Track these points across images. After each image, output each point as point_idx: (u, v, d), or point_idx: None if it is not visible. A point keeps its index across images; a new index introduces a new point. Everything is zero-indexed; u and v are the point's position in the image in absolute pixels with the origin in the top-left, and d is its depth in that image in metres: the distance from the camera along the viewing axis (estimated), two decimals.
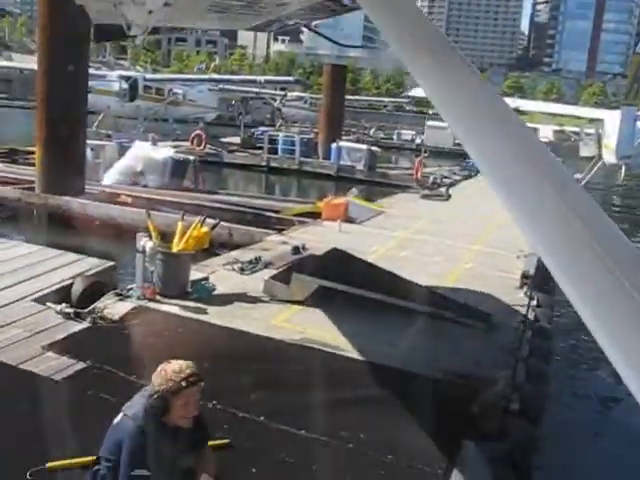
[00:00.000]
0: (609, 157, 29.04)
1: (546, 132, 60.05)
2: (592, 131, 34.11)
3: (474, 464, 5.98)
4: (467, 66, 2.17)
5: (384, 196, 24.23)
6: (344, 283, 9.63)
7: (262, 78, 42.46)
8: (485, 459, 6.06)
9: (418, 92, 54.03)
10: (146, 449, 3.79)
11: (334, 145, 31.96)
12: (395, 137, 57.85)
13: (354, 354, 7.93)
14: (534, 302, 11.58)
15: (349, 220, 16.33)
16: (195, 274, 9.88)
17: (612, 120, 28.72)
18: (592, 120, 36.05)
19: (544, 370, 8.91)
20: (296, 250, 12.38)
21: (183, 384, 3.83)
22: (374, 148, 33.31)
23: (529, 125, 54.10)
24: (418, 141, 53.45)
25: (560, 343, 11.66)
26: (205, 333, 8.25)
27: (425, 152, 31.54)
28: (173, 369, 3.88)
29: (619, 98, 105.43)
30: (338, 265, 10.42)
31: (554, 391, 9.23)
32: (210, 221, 11.45)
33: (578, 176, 32.60)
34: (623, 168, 31.37)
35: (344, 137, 46.10)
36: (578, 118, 40.08)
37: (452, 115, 2.19)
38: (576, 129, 40.42)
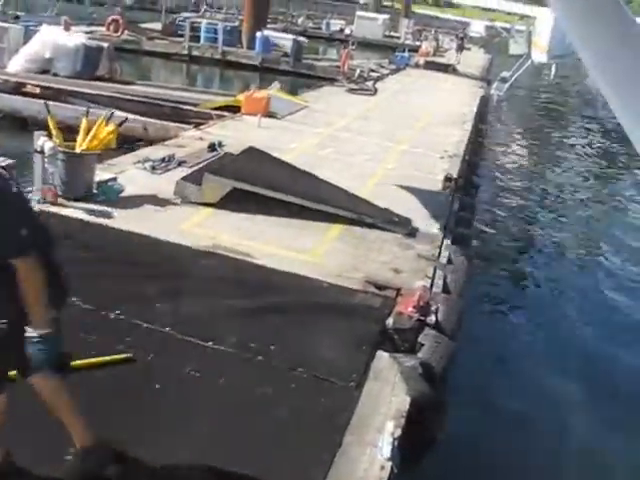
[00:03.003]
0: (538, 56, 28.80)
1: (478, 27, 59.65)
2: (523, 28, 33.73)
3: (388, 376, 5.80)
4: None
5: (310, 89, 23.48)
6: (261, 185, 9.17)
7: None
8: (399, 371, 5.89)
9: None
10: None
11: (259, 34, 30.55)
12: (324, 27, 55.86)
13: (267, 261, 7.56)
14: (456, 206, 11.40)
15: (270, 115, 15.65)
16: (102, 174, 9.18)
17: (545, 18, 28.29)
18: (523, 17, 35.63)
19: (462, 280, 8.75)
20: (212, 147, 11.75)
21: None
22: (300, 38, 32.03)
23: (462, 19, 53.53)
24: (347, 32, 51.98)
25: (480, 248, 11.55)
26: (109, 239, 7.69)
27: (352, 44, 30.53)
28: None
29: None
30: (255, 165, 9.90)
31: (471, 301, 9.14)
32: (120, 115, 10.72)
33: (506, 74, 32.43)
34: (553, 67, 31.24)
35: (271, 26, 44.43)
36: (510, 14, 39.50)
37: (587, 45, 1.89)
38: (507, 25, 40.01)
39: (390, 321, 6.73)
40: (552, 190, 17.64)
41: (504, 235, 13.27)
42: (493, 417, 6.98)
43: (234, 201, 9.05)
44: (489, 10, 47.14)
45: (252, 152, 10.43)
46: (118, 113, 10.92)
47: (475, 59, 43.81)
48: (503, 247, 12.62)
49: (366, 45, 47.60)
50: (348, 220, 9.15)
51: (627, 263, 12.57)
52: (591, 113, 30.87)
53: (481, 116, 22.54)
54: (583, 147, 24.65)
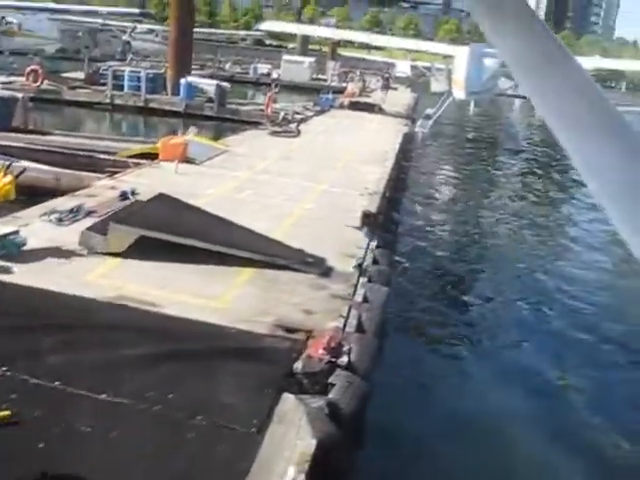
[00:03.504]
0: (458, 93, 29.49)
1: (404, 67, 61.05)
2: (443, 66, 34.58)
3: (293, 419, 5.65)
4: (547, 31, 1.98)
5: (234, 133, 23.44)
6: (170, 231, 8.99)
7: (105, 9, 39.73)
8: (305, 412, 5.74)
9: (270, 26, 53.24)
10: None
11: (182, 81, 30.52)
12: (251, 72, 56.55)
13: (173, 310, 7.36)
14: (374, 243, 11.36)
15: (189, 160, 15.50)
16: (3, 228, 8.85)
17: (461, 57, 29.10)
18: (446, 56, 36.59)
19: (378, 318, 8.66)
20: (124, 196, 11.51)
21: None
22: (224, 84, 32.08)
23: (388, 60, 54.80)
24: (274, 75, 52.55)
25: (399, 286, 11.47)
26: (6, 294, 7.38)
27: (275, 87, 30.74)
28: None
29: (473, 36, 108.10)
30: (165, 212, 9.72)
31: (389, 341, 9.06)
32: (20, 165, 10.45)
33: (430, 111, 33.09)
34: (472, 104, 32.11)
35: (198, 72, 44.52)
36: (432, 54, 40.44)
37: (526, 78, 1.99)
38: (427, 64, 41.06)
39: (299, 365, 6.60)
40: (476, 223, 17.88)
41: (427, 270, 13.29)
42: (408, 459, 6.86)
43: (143, 250, 8.83)
44: (415, 51, 48.22)
45: (162, 199, 10.25)
46: (24, 163, 10.67)
47: (401, 98, 44.67)
48: (425, 283, 12.59)
49: (293, 88, 48.24)
50: (260, 263, 9.02)
51: (548, 297, 12.63)
52: (513, 146, 31.65)
53: (404, 153, 22.83)
54: (506, 179, 25.21)
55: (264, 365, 6.43)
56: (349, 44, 76.29)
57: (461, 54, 29.06)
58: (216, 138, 21.78)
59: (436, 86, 34.47)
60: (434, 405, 8.13)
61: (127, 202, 11.10)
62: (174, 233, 8.92)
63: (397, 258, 12.79)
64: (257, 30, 64.75)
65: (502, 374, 9.22)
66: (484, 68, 28.42)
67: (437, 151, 30.14)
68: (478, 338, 10.49)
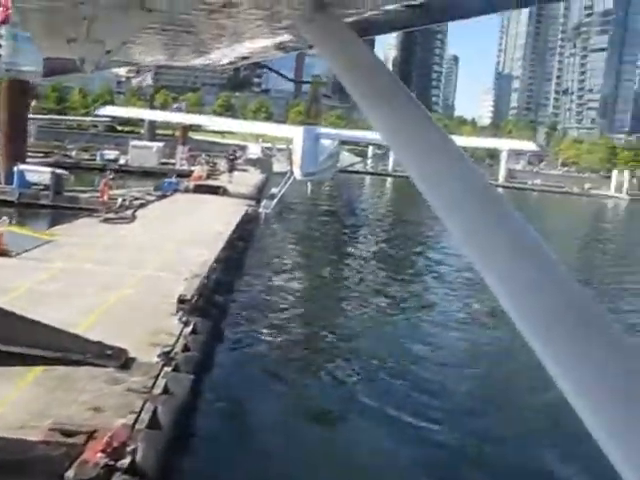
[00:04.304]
0: (297, 172, 30.02)
1: (255, 149, 61.98)
2: (284, 147, 35.29)
3: None
4: (421, 111, 2.34)
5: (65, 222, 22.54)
6: None
7: None
8: None
9: (112, 111, 52.63)
10: None
11: (15, 169, 29.28)
12: (98, 157, 55.44)
13: None
14: (188, 329, 11.00)
15: (4, 253, 14.65)
16: None
17: (297, 138, 29.80)
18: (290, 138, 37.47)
19: (178, 411, 8.25)
20: None
21: None
22: (60, 171, 31.13)
23: (240, 143, 55.24)
24: (122, 161, 51.87)
25: (212, 373, 11.05)
26: None
27: (110, 173, 30.11)
28: None
29: (322, 119, 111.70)
30: None
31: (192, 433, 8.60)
32: None
33: (275, 190, 33.49)
34: (309, 184, 32.80)
35: (43, 160, 43.19)
36: (276, 137, 41.22)
37: (407, 157, 2.29)
38: (269, 145, 41.85)
39: (70, 473, 6.11)
40: (310, 300, 17.81)
41: (251, 354, 12.81)
42: None
43: None
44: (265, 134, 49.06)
45: None
46: None
47: (249, 179, 45.02)
48: (248, 368, 12.07)
49: (142, 173, 47.65)
50: (52, 359, 8.45)
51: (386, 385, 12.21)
52: (353, 221, 32.45)
53: (242, 233, 22.77)
54: (345, 254, 25.59)
55: (29, 477, 5.89)
56: (201, 128, 76.73)
57: (297, 135, 29.72)
58: (52, 227, 20.96)
59: (278, 166, 35.10)
60: None
61: None
62: None
63: (220, 342, 12.46)
64: (97, 116, 63.90)
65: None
66: (320, 148, 29.17)
67: (279, 230, 30.23)
68: (293, 431, 9.77)
